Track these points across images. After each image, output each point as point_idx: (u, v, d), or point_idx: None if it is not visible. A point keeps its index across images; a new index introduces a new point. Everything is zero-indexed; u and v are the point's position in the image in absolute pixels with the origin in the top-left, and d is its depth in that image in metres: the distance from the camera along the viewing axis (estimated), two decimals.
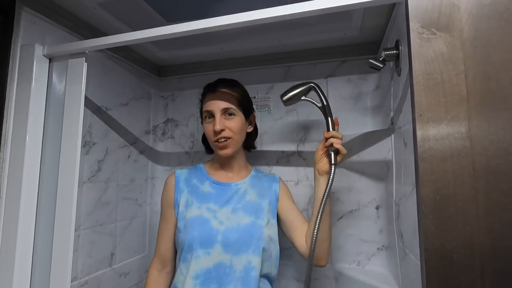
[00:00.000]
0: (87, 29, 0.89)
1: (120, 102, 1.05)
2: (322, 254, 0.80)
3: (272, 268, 0.82)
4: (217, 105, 0.84)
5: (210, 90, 0.87)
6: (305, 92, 0.83)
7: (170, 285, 0.86)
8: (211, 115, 0.85)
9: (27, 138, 0.68)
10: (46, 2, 0.78)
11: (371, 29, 0.93)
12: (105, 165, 0.97)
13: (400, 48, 0.70)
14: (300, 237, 0.83)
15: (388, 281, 0.83)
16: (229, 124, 0.83)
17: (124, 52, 1.06)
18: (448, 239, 0.34)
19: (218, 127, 0.81)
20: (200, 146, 1.19)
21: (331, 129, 0.78)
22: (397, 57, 0.72)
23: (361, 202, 0.98)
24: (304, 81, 0.84)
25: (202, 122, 0.90)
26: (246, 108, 0.89)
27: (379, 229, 0.95)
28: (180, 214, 0.83)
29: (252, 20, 0.57)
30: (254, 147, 1.00)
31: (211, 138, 0.85)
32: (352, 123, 1.01)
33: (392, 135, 0.80)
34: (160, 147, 1.23)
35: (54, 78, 0.74)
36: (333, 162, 0.74)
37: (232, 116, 0.85)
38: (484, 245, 0.32)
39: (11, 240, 0.66)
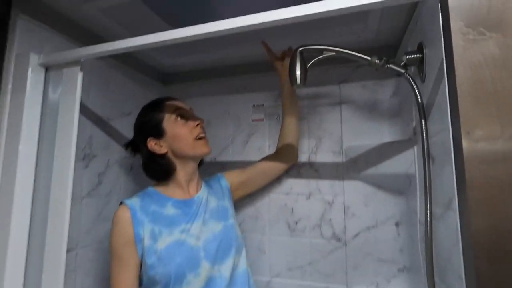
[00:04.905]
0: (89, 37, 0.85)
1: (122, 112, 1.00)
2: (295, 148, 0.94)
3: (246, 258, 0.82)
4: (186, 105, 0.84)
5: (167, 99, 0.83)
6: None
7: None
8: (184, 114, 0.81)
9: (20, 148, 0.64)
10: (46, 9, 0.74)
11: (388, 32, 0.87)
12: (106, 178, 0.92)
13: (424, 51, 0.64)
14: (267, 160, 0.93)
15: None
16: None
17: (126, 59, 1.02)
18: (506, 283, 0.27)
19: (200, 120, 0.81)
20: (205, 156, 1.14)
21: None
22: (420, 61, 0.65)
23: (379, 218, 0.90)
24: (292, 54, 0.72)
25: (158, 135, 0.78)
26: None
27: (399, 248, 0.87)
28: (148, 249, 0.70)
29: (259, 23, 0.51)
30: (202, 162, 0.90)
31: (191, 136, 0.79)
32: (368, 132, 0.94)
33: (415, 147, 0.73)
34: None
35: (51, 88, 0.70)
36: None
37: None
38: None
39: (2, 256, 0.61)
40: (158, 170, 0.81)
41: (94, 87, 0.89)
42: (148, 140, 0.79)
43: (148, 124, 0.80)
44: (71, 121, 0.66)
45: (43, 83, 0.69)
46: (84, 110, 0.86)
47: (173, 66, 1.15)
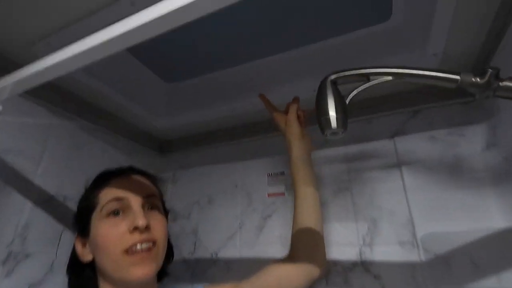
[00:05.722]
0: (48, 88, 0.66)
1: None
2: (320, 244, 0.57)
3: None
4: (134, 190, 0.51)
5: (115, 175, 0.54)
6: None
7: None
8: (123, 207, 0.49)
9: None
10: None
11: (461, 55, 0.59)
12: None
13: None
14: (277, 268, 0.55)
15: None
16: (154, 222, 0.50)
17: (107, 120, 0.81)
18: None
19: (141, 221, 0.46)
20: (204, 250, 0.80)
21: None
22: None
23: None
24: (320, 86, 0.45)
25: (84, 232, 0.51)
26: (164, 207, 0.58)
27: None
28: None
29: None
30: (166, 273, 0.58)
31: (118, 246, 0.46)
32: (457, 212, 0.57)
33: None
34: None
35: None
36: None
37: (156, 211, 0.53)
38: None
39: None
40: (78, 284, 0.52)
41: (50, 155, 0.66)
42: (76, 235, 0.52)
43: (77, 212, 0.55)
44: None
45: None
46: (24, 186, 0.60)
47: (169, 129, 0.92)
